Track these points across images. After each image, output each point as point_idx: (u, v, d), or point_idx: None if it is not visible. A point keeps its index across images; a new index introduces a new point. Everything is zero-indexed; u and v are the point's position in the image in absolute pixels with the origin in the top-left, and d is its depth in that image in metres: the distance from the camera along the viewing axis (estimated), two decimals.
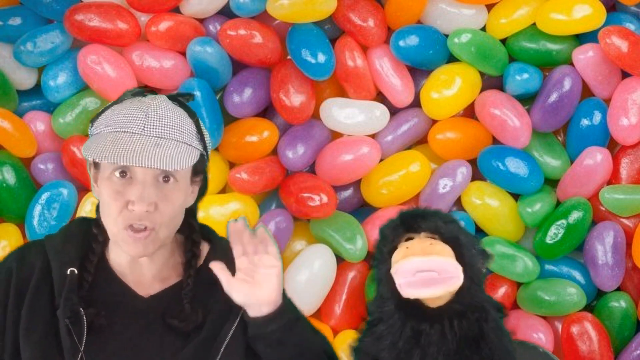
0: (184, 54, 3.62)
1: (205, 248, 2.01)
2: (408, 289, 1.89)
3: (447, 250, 1.89)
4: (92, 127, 1.91)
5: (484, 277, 1.98)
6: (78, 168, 3.53)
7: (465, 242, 1.94)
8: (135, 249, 1.86)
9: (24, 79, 3.65)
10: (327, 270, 3.59)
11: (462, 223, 2.07)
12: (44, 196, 3.50)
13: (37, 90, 3.67)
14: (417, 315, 1.90)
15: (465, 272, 1.90)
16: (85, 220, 2.01)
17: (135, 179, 1.84)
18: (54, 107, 3.65)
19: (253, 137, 3.63)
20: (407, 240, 1.96)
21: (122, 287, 1.93)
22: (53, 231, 3.35)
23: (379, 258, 2.01)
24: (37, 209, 3.50)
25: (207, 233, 2.02)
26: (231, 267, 1.91)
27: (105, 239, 1.95)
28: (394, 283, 1.92)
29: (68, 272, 1.89)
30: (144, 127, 1.83)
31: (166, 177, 1.85)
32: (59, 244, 1.94)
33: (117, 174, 1.84)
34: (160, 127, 1.84)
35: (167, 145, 1.82)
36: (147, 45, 3.63)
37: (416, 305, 1.90)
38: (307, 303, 3.52)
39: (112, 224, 1.86)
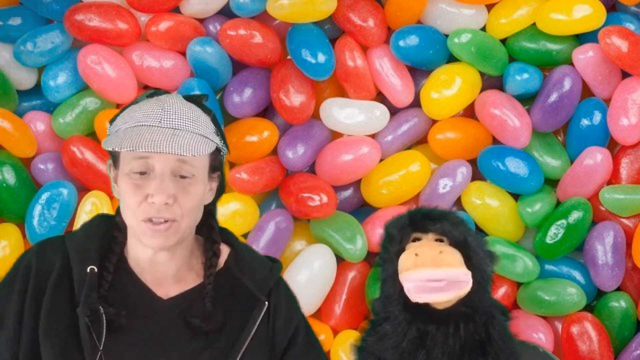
0: (184, 54, 3.62)
1: (225, 251, 2.02)
2: (417, 294, 1.90)
3: (456, 258, 1.89)
4: (110, 127, 1.95)
5: (490, 279, 1.98)
6: (78, 168, 3.53)
7: (474, 245, 1.93)
8: (156, 240, 1.88)
9: (24, 79, 3.65)
10: (327, 270, 3.59)
11: (468, 223, 2.07)
12: (44, 196, 3.50)
13: (37, 90, 3.67)
14: (424, 317, 1.90)
15: (473, 275, 1.90)
16: (105, 217, 2.04)
17: (154, 174, 1.87)
18: (54, 107, 3.65)
19: (253, 137, 3.63)
20: (414, 240, 1.96)
21: (140, 288, 1.94)
22: (53, 231, 3.39)
23: (385, 257, 2.00)
24: (37, 209, 3.50)
25: (227, 237, 2.04)
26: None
27: (125, 240, 1.97)
28: (401, 285, 1.92)
29: (88, 269, 1.91)
30: (161, 119, 1.87)
31: (182, 175, 1.88)
32: (79, 242, 1.96)
33: (136, 170, 1.87)
34: (176, 120, 1.88)
35: (183, 136, 1.86)
36: (147, 45, 3.63)
37: (423, 307, 1.91)
38: (307, 303, 3.52)
39: (131, 217, 1.89)
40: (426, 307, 1.91)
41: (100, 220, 2.02)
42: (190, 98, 1.96)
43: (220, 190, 2.02)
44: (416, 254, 1.88)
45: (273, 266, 2.03)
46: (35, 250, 1.97)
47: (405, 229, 1.97)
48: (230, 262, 2.00)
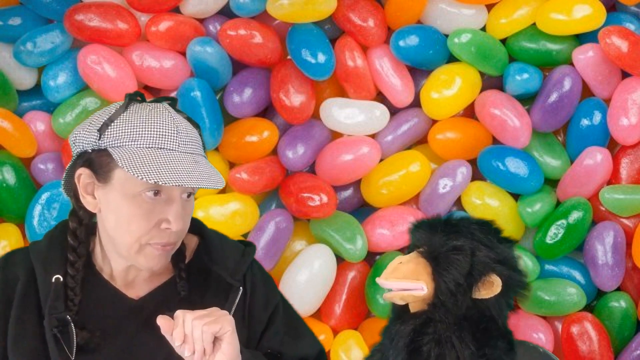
0: (184, 54, 3.62)
1: (194, 241, 1.99)
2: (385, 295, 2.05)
3: (411, 270, 1.99)
4: (101, 137, 1.83)
5: (463, 292, 1.98)
6: None
7: (443, 261, 1.98)
8: (158, 262, 1.85)
9: (24, 79, 3.65)
10: (327, 270, 3.59)
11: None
12: (44, 196, 3.50)
13: (37, 90, 3.67)
14: (403, 317, 2.02)
15: (437, 287, 1.98)
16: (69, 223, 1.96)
17: (172, 198, 1.82)
18: (54, 107, 3.65)
19: (253, 137, 3.63)
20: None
21: (111, 292, 1.91)
22: None
23: None
24: (37, 209, 3.50)
25: (196, 226, 2.00)
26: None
27: (87, 247, 1.92)
28: None
29: (53, 279, 1.86)
30: (179, 144, 1.82)
31: (190, 194, 1.85)
32: (43, 251, 1.90)
33: (150, 193, 1.80)
34: (190, 143, 1.84)
35: (201, 162, 1.83)
36: (147, 45, 3.63)
37: (404, 309, 2.04)
38: (307, 303, 3.52)
39: (133, 241, 1.82)
40: (406, 306, 2.04)
41: (64, 227, 1.94)
42: (175, 107, 1.89)
43: None
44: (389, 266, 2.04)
45: (245, 250, 1.99)
46: (0, 264, 1.91)
47: (410, 238, 2.10)
48: (200, 251, 1.97)
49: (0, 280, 1.88)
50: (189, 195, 1.85)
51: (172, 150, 1.80)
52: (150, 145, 1.80)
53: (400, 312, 2.02)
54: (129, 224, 1.82)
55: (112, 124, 1.83)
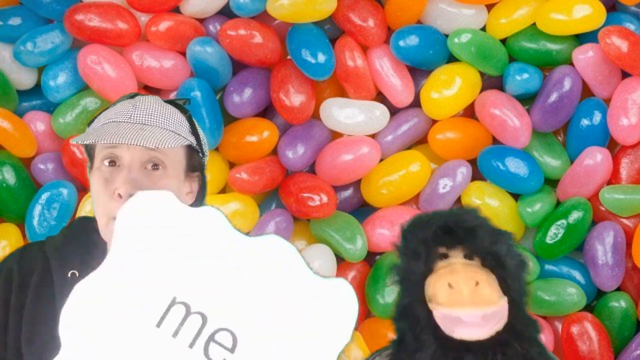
0: (184, 54, 3.62)
1: None
2: (453, 329, 1.74)
3: (494, 290, 1.74)
4: (87, 128, 1.93)
5: (525, 294, 1.81)
6: (78, 168, 3.53)
7: (509, 265, 1.77)
8: None
9: (24, 79, 3.65)
10: (327, 270, 3.58)
11: (508, 234, 1.85)
12: (44, 196, 3.50)
13: (37, 90, 3.67)
14: (459, 347, 1.74)
15: (508, 297, 1.77)
16: (86, 219, 1.99)
17: (123, 166, 1.84)
18: (54, 107, 3.65)
19: (253, 137, 3.63)
20: (441, 255, 1.80)
21: None
22: (53, 231, 3.39)
23: (409, 278, 1.81)
24: (37, 209, 3.50)
25: None
26: None
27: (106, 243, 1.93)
28: (430, 311, 1.76)
29: (69, 274, 1.88)
30: (131, 115, 1.86)
31: (155, 164, 1.85)
32: (60, 245, 1.93)
33: (106, 162, 1.85)
34: (146, 116, 1.86)
35: (151, 130, 1.84)
36: (147, 45, 3.63)
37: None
38: None
39: (101, 214, 1.86)
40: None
41: (81, 223, 1.98)
42: (169, 101, 1.94)
43: (202, 195, 1.98)
44: (450, 284, 1.72)
45: None
46: (16, 257, 1.94)
47: (431, 246, 1.79)
48: None
49: (17, 274, 1.90)
50: (155, 167, 1.85)
51: (121, 122, 1.85)
52: (105, 122, 1.87)
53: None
54: (96, 199, 1.87)
55: (96, 118, 1.93)
